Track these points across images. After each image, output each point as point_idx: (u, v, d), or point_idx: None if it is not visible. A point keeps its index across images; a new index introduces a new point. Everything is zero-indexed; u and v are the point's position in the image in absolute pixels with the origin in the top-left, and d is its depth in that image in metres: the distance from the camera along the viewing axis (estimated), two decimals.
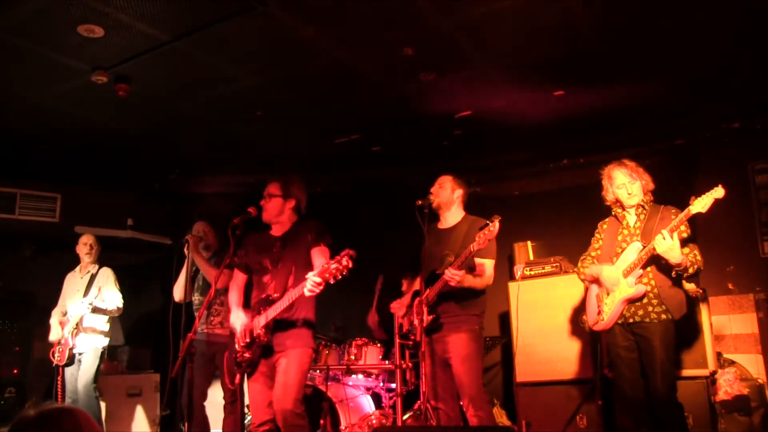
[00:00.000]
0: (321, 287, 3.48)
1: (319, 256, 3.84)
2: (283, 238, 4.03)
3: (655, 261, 3.81)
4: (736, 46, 4.44)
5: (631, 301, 3.86)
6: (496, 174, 6.77)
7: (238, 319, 3.94)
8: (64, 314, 5.77)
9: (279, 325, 3.79)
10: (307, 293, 3.50)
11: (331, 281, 3.43)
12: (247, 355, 3.82)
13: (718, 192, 3.54)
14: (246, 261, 4.12)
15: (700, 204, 3.57)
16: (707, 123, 5.75)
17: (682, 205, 3.89)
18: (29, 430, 1.43)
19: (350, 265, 3.39)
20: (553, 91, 5.06)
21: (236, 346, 3.89)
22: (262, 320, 3.79)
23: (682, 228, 3.78)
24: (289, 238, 4.01)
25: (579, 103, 5.29)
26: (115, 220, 7.07)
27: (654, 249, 3.71)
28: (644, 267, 3.83)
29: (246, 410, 4.98)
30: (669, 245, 3.63)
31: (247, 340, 3.81)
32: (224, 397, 4.98)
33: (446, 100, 5.20)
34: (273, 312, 3.73)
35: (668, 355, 3.77)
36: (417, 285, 4.49)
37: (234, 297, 4.10)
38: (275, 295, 3.78)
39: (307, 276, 3.50)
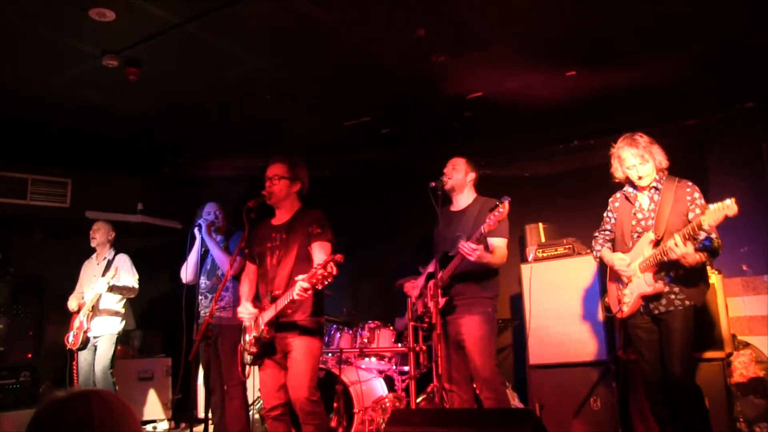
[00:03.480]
0: (310, 292, 3.44)
1: (319, 251, 3.76)
2: (286, 228, 3.93)
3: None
4: (750, 25, 4.37)
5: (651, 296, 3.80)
6: (507, 155, 6.72)
7: (246, 311, 3.90)
8: (82, 299, 5.79)
9: (284, 320, 3.75)
10: (296, 297, 3.47)
11: (319, 287, 3.38)
12: (254, 349, 3.80)
13: (731, 209, 3.34)
14: (254, 251, 4.05)
15: (711, 218, 3.40)
16: (720, 103, 5.68)
17: (696, 183, 3.85)
18: (57, 412, 1.43)
19: (335, 272, 3.33)
20: (566, 72, 5.01)
21: (245, 338, 3.88)
22: (265, 316, 3.75)
23: (698, 210, 3.68)
24: (291, 228, 3.90)
25: (591, 84, 5.22)
26: (126, 204, 7.09)
27: (667, 253, 3.60)
28: (659, 266, 3.74)
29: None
30: (682, 252, 3.52)
31: (255, 334, 3.79)
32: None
33: (457, 81, 5.15)
34: (271, 312, 3.70)
35: (687, 338, 3.72)
36: (430, 267, 4.49)
37: (245, 288, 4.06)
38: (277, 291, 3.71)
39: (296, 279, 3.46)
